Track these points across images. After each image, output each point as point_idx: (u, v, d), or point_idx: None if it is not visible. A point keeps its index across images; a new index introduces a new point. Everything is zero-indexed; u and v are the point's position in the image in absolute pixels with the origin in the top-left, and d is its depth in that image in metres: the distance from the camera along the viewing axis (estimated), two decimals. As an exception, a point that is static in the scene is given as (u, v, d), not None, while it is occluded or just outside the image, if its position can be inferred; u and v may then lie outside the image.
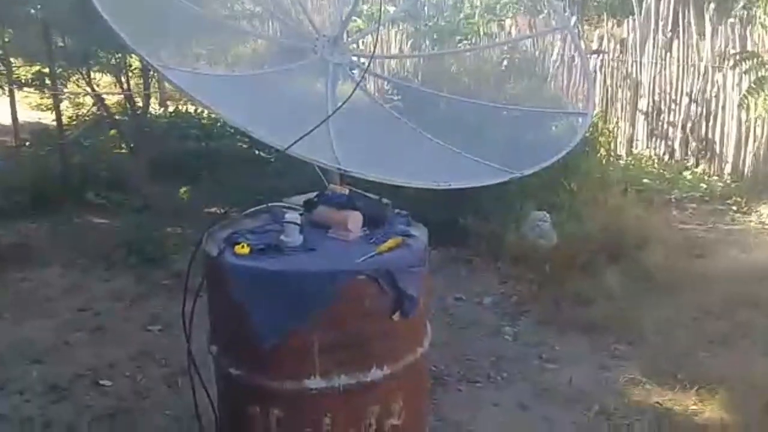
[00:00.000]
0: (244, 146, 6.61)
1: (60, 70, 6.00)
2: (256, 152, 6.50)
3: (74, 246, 5.30)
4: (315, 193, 2.52)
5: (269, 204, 2.52)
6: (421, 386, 2.48)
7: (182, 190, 6.36)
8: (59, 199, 5.92)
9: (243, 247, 2.15)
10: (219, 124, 7.00)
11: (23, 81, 6.56)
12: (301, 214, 2.34)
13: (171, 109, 8.32)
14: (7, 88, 6.88)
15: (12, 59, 6.64)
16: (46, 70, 6.12)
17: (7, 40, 6.60)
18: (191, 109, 7.77)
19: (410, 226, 2.46)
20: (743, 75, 6.74)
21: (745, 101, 6.43)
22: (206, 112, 7.25)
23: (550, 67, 7.70)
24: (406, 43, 8.66)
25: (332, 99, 2.97)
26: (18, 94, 7.52)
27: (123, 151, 6.72)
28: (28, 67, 6.76)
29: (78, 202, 6.00)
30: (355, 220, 2.32)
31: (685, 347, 3.87)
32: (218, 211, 5.97)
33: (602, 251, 4.95)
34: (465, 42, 6.70)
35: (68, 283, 4.75)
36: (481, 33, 7.34)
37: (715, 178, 7.25)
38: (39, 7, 5.66)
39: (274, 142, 2.36)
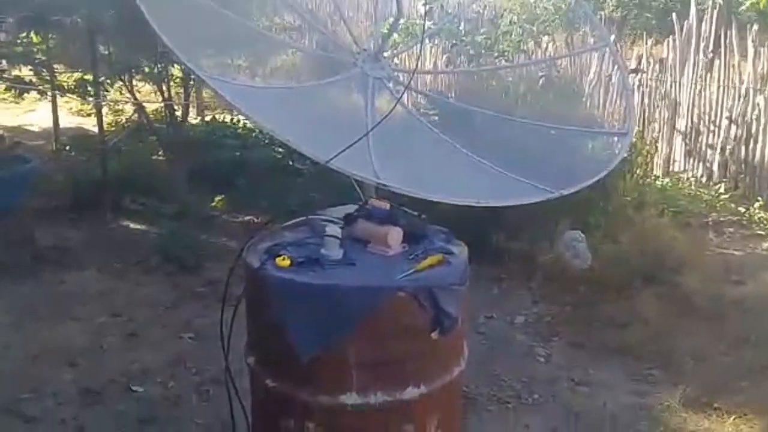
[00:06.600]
0: (279, 156, 6.65)
1: (103, 78, 6.11)
2: (290, 162, 6.54)
3: (111, 250, 5.37)
4: (355, 207, 2.52)
5: (309, 216, 2.52)
6: (456, 406, 2.46)
7: (217, 198, 6.43)
8: (97, 204, 6.02)
9: (284, 259, 2.16)
10: (254, 133, 7.05)
11: (66, 87, 6.66)
12: (341, 228, 2.34)
13: (208, 118, 8.41)
14: (50, 94, 7.01)
15: (55, 65, 6.76)
16: (89, 77, 6.22)
17: (51, 46, 6.73)
18: (227, 118, 7.85)
19: (450, 243, 2.44)
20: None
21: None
22: (242, 121, 7.32)
23: (587, 85, 7.63)
24: (441, 58, 8.67)
25: (372, 112, 2.98)
26: (59, 99, 7.68)
27: (161, 158, 6.81)
28: (70, 74, 6.86)
29: (115, 207, 6.09)
30: (395, 235, 2.31)
31: (722, 375, 3.78)
32: (253, 219, 6.04)
33: (638, 274, 4.88)
34: (502, 59, 6.66)
35: (104, 287, 4.81)
36: (520, 49, 7.29)
37: (756, 202, 7.09)
38: (85, 13, 5.75)
39: (315, 154, 2.37)
